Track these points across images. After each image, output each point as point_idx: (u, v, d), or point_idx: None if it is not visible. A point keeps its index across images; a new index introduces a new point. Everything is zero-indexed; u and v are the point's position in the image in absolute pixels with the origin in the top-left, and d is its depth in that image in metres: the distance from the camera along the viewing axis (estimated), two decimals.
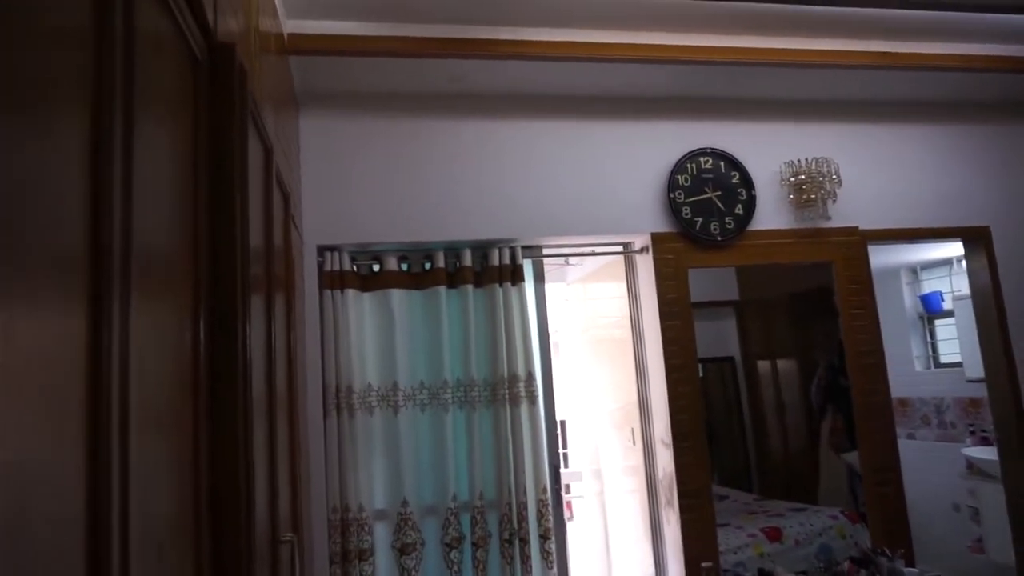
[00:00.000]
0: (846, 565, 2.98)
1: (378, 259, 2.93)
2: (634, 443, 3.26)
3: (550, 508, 2.85)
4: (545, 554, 2.81)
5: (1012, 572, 4.08)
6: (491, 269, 2.96)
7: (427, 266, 2.96)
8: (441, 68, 2.75)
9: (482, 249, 2.99)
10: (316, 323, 2.76)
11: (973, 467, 4.33)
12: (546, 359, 3.07)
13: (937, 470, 4.67)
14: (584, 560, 4.07)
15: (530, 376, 2.91)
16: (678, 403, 2.95)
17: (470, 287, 2.93)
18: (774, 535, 3.32)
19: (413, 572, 2.70)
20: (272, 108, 1.92)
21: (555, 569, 2.83)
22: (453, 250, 2.96)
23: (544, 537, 2.82)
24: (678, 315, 3.04)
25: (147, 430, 0.76)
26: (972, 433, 4.52)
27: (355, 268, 2.89)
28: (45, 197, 0.57)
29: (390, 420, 2.79)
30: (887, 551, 3.03)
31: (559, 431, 4.59)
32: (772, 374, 4.07)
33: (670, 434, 2.93)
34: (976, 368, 4.38)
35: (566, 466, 4.35)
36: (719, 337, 3.98)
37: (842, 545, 3.31)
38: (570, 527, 4.43)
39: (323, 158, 2.87)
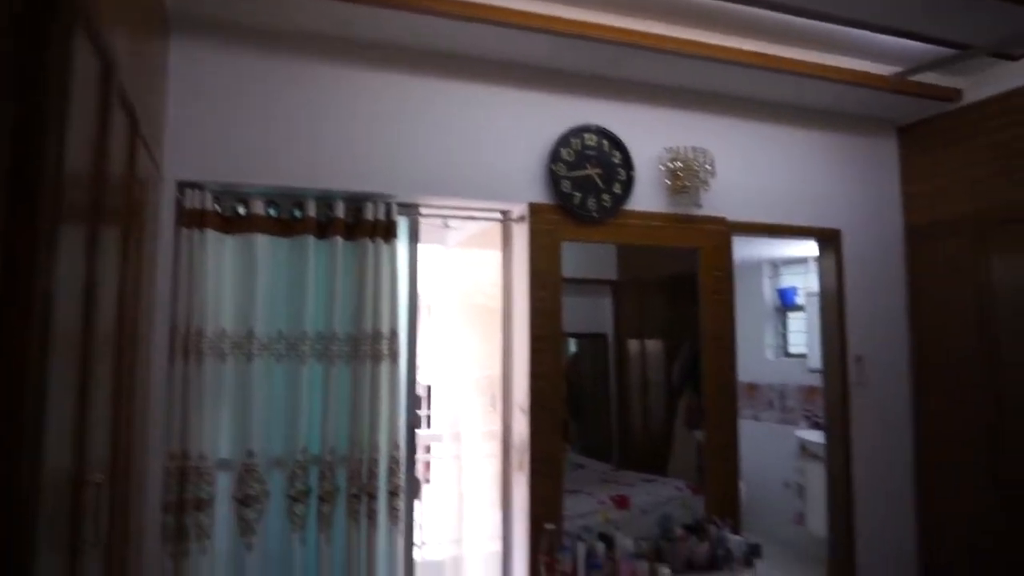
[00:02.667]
0: (679, 532, 3.17)
1: (244, 201, 2.79)
2: (494, 408, 3.31)
3: (401, 466, 2.86)
4: (392, 511, 2.82)
5: (825, 544, 4.50)
6: (364, 223, 2.89)
7: (297, 214, 2.85)
8: (328, 10, 2.62)
9: (356, 202, 2.91)
10: (170, 262, 2.61)
11: (804, 448, 4.72)
12: (413, 319, 3.05)
13: (775, 450, 5.06)
14: (438, 520, 4.13)
15: (394, 334, 2.88)
16: (539, 371, 3.02)
17: (340, 239, 2.86)
18: (622, 503, 3.47)
19: (254, 524, 2.64)
20: (127, 23, 1.76)
21: (401, 526, 2.85)
22: (325, 200, 2.87)
23: (393, 494, 2.83)
24: (548, 286, 3.10)
25: None
26: (807, 418, 4.91)
27: (218, 208, 2.74)
28: None
29: (242, 368, 2.69)
30: (717, 520, 3.26)
31: (425, 394, 4.61)
32: (640, 353, 4.21)
33: (528, 401, 3.00)
34: (817, 359, 4.76)
35: (428, 428, 4.38)
36: (595, 314, 4.09)
37: (682, 514, 3.50)
38: (428, 488, 4.48)
39: (194, 89, 2.68)
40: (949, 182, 3.75)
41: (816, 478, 4.52)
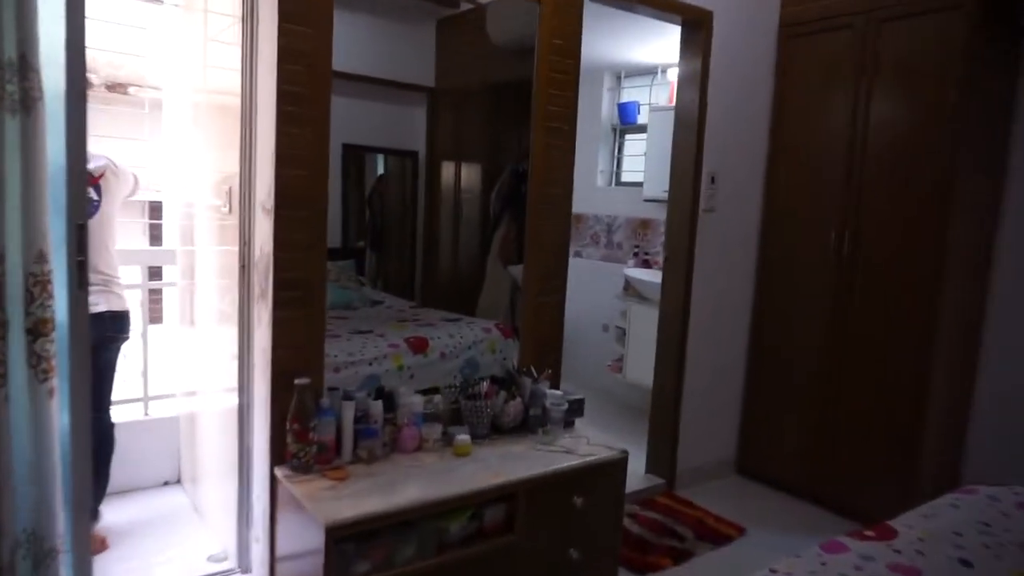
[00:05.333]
0: (485, 385, 2.41)
1: None
2: (229, 210, 2.24)
3: (52, 289, 1.75)
4: (37, 360, 1.74)
5: (641, 391, 4.09)
6: None
7: None
8: None
9: None
10: None
11: (630, 288, 4.17)
12: (76, 44, 1.79)
13: (596, 290, 4.49)
14: (162, 367, 3.08)
15: (27, 65, 1.65)
16: (290, 151, 1.96)
17: None
18: (420, 346, 2.72)
19: None
20: None
21: (55, 382, 1.78)
22: None
23: (36, 333, 1.73)
24: (310, 18, 1.97)
25: None
26: (636, 255, 4.35)
27: None
28: None
29: None
30: (533, 370, 2.54)
31: (151, 200, 3.37)
32: (455, 176, 3.45)
33: (272, 196, 1.96)
34: (656, 187, 4.12)
35: (159, 244, 3.19)
36: (406, 127, 3.21)
37: (490, 360, 2.84)
38: (160, 325, 3.36)
39: None
40: None
41: (641, 320, 4.01)
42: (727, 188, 3.19)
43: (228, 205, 2.24)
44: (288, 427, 2.00)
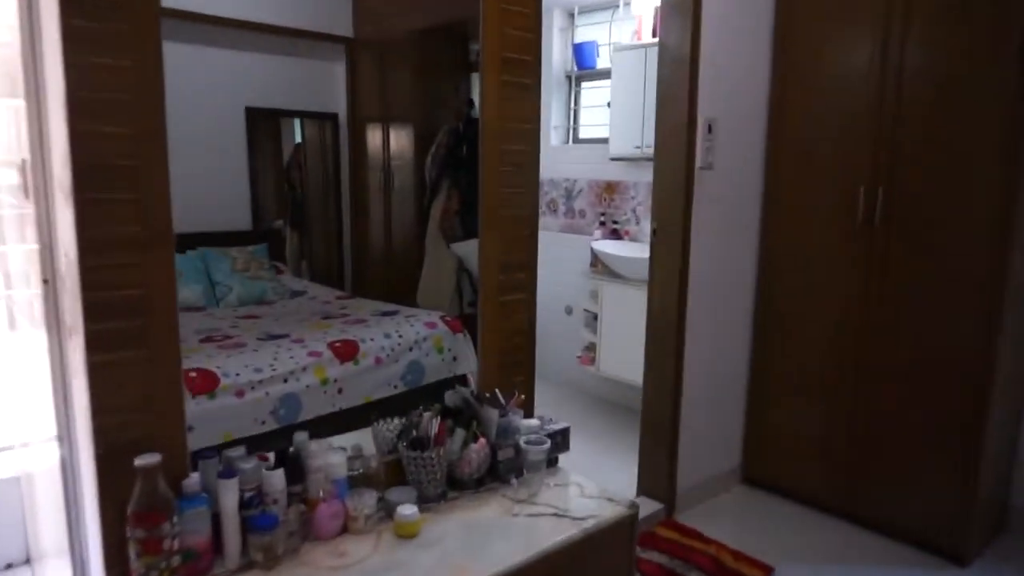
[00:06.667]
0: (434, 425, 1.71)
1: None
2: (26, 194, 1.46)
3: None
4: None
5: (618, 386, 3.51)
6: None
7: None
8: None
9: None
10: None
11: (598, 264, 3.52)
12: None
13: (557, 267, 3.83)
14: None
15: None
16: (92, 93, 1.19)
17: None
18: (348, 352, 2.14)
19: None
20: None
21: None
22: None
23: None
24: None
25: None
26: (602, 224, 3.69)
27: None
28: None
29: None
30: (500, 396, 1.86)
31: None
32: (384, 141, 3.05)
33: (69, 170, 1.19)
34: (625, 143, 3.46)
35: None
36: (322, 85, 2.83)
37: (437, 362, 2.30)
38: None
39: None
40: None
41: (616, 303, 3.38)
42: (727, 139, 2.55)
43: (24, 186, 1.46)
44: (129, 533, 1.27)
